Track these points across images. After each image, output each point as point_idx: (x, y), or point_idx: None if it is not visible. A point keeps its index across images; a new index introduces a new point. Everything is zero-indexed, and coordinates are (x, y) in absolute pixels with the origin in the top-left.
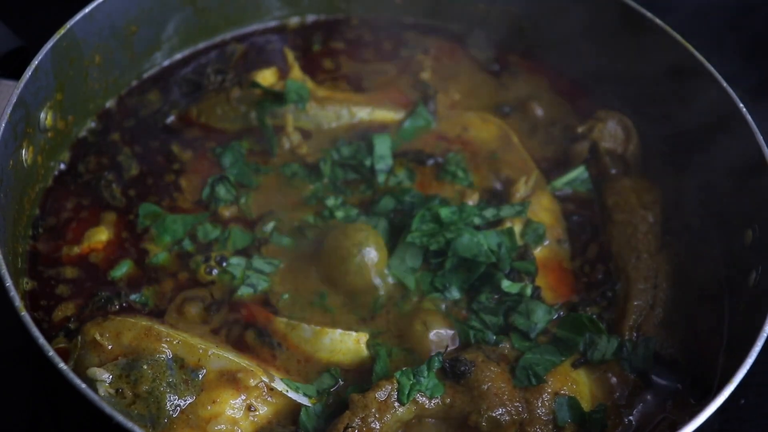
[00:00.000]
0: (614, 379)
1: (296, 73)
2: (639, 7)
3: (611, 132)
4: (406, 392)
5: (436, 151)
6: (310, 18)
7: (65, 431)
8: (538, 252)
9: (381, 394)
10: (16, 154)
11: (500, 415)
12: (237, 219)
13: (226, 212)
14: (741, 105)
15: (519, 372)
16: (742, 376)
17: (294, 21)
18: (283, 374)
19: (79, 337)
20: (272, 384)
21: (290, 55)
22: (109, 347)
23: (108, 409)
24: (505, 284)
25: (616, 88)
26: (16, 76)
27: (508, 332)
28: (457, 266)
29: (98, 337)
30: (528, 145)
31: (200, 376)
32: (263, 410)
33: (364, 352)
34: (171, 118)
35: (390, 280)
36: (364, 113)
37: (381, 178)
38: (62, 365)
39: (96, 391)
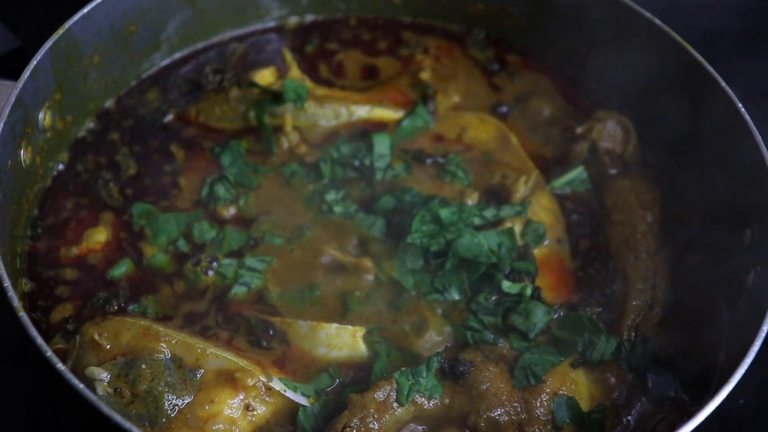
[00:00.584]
0: (613, 379)
1: (295, 72)
2: (638, 7)
3: (610, 132)
4: (405, 392)
5: (436, 152)
6: (309, 18)
7: (65, 431)
8: (537, 252)
9: (380, 395)
10: (15, 154)
11: (499, 415)
12: (236, 219)
13: (226, 212)
14: (740, 105)
15: (518, 372)
16: (740, 376)
17: (293, 21)
18: (280, 374)
19: (78, 337)
20: (270, 383)
21: (288, 55)
22: (108, 347)
23: (106, 409)
24: (506, 285)
25: (615, 89)
26: (15, 76)
27: (506, 332)
28: (457, 267)
29: (97, 337)
30: (527, 145)
31: (198, 375)
32: (261, 410)
33: (361, 346)
34: (170, 118)
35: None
36: (362, 112)
37: (379, 176)
38: (60, 365)
39: (94, 390)
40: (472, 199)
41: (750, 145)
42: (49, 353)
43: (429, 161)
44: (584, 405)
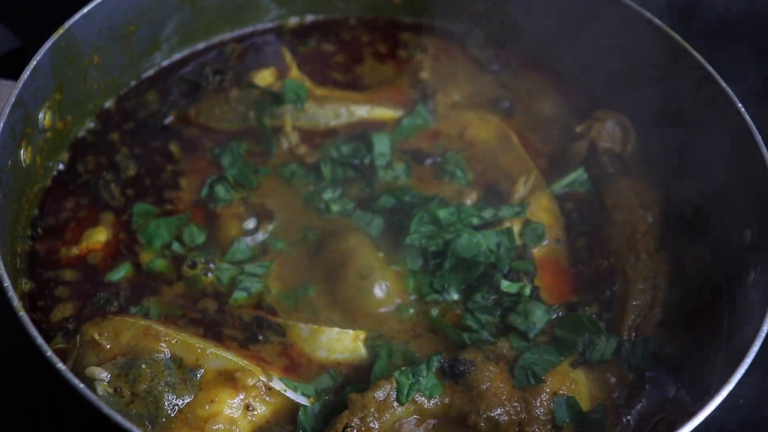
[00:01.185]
0: (613, 379)
1: (294, 72)
2: (638, 7)
3: (610, 132)
4: (405, 392)
5: (435, 151)
6: (309, 18)
7: (65, 431)
8: (536, 252)
9: (380, 394)
10: (15, 154)
11: (499, 415)
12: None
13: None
14: (740, 105)
15: (518, 372)
16: (740, 375)
17: (293, 21)
18: (281, 374)
19: (78, 337)
20: (270, 383)
21: (288, 55)
22: (108, 347)
23: (106, 409)
24: (504, 284)
25: (614, 88)
26: (15, 76)
27: (504, 332)
28: (455, 267)
29: (97, 337)
30: (527, 145)
31: (198, 375)
32: (261, 410)
33: (362, 349)
34: (170, 118)
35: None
36: (362, 111)
37: (380, 174)
38: (60, 365)
39: (95, 390)
40: (471, 199)
41: (750, 145)
42: (50, 353)
43: (428, 161)
44: (584, 405)
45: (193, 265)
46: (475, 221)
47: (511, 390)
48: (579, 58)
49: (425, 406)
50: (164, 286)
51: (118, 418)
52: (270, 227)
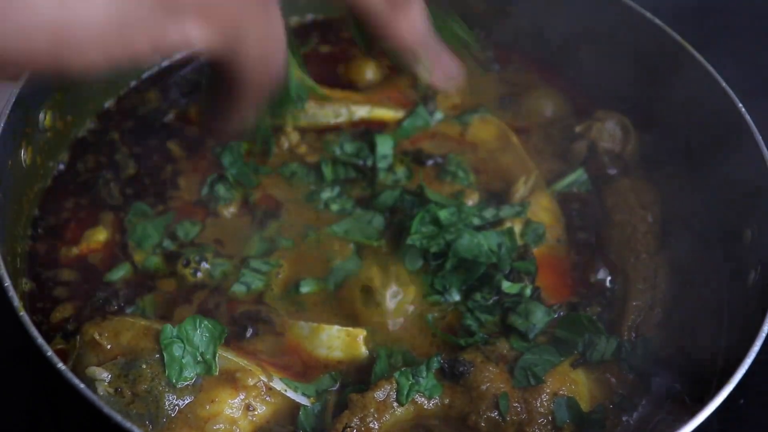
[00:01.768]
0: (613, 380)
1: (295, 72)
2: (638, 7)
3: (610, 132)
4: (405, 392)
5: (436, 152)
6: (309, 17)
7: (65, 431)
8: (537, 252)
9: (380, 394)
10: (15, 154)
11: (499, 415)
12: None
13: (226, 211)
14: (740, 105)
15: (518, 372)
16: (740, 376)
17: (293, 20)
18: (281, 374)
19: (78, 337)
20: (271, 383)
21: (288, 55)
22: (108, 347)
23: (106, 409)
24: (505, 285)
25: (614, 88)
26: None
27: (504, 332)
28: (457, 267)
29: (97, 337)
30: (527, 145)
31: None
32: (262, 410)
33: (362, 348)
34: (170, 118)
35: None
36: (363, 111)
37: (382, 176)
38: (60, 365)
39: (95, 390)
40: (472, 200)
41: (750, 145)
42: (50, 353)
43: (429, 162)
44: (584, 405)
45: (187, 263)
46: (476, 221)
47: (511, 390)
48: (579, 58)
49: (425, 407)
50: (160, 283)
51: (119, 418)
52: (275, 224)
